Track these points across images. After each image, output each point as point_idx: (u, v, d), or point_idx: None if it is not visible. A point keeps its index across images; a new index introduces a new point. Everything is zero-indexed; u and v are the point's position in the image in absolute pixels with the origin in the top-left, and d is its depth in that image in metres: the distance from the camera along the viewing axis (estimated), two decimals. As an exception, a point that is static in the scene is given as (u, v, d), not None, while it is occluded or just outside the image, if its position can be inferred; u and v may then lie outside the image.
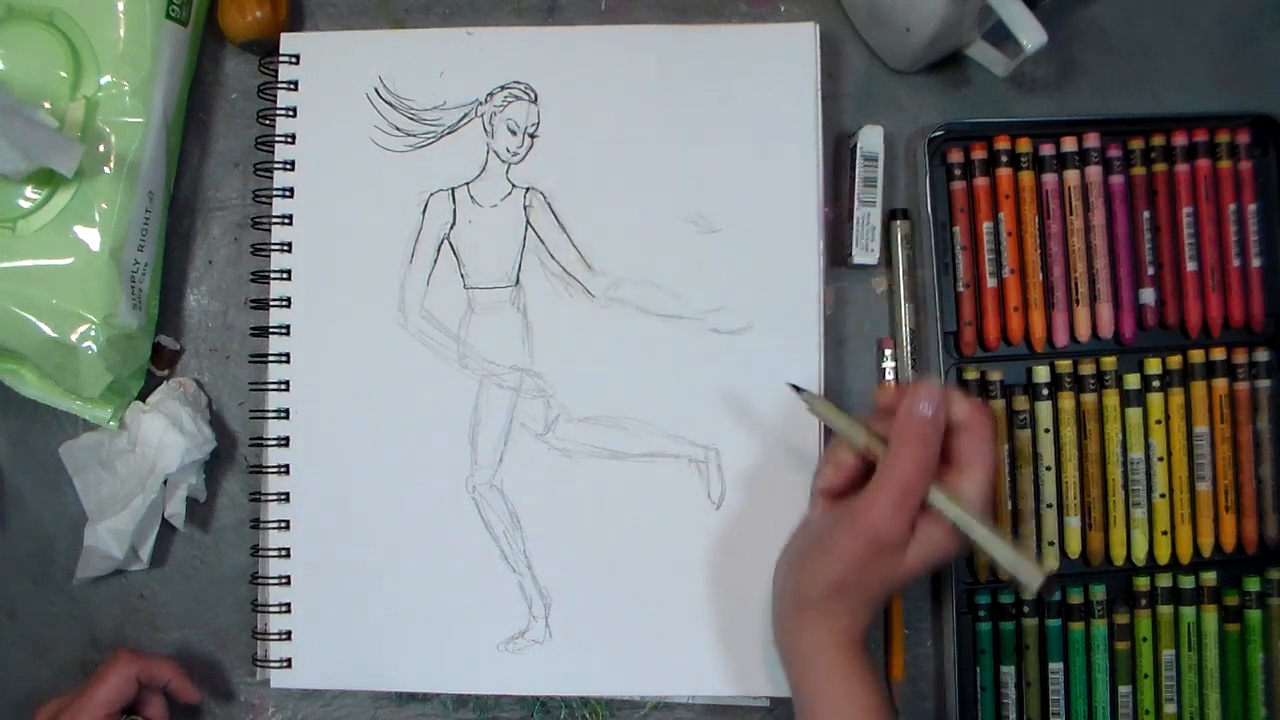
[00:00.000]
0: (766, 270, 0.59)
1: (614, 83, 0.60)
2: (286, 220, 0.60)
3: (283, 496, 0.59)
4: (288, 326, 0.60)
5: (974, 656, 0.59)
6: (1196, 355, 0.60)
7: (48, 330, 0.56)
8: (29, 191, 0.56)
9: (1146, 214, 0.61)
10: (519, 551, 0.58)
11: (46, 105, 0.56)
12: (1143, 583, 0.59)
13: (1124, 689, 0.59)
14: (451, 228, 0.60)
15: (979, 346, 0.61)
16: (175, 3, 0.58)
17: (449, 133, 0.60)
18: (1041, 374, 0.60)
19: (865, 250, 0.60)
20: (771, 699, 0.58)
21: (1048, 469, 0.60)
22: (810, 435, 0.58)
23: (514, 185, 0.60)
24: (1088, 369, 0.60)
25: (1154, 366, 0.60)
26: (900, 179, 0.62)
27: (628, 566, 0.57)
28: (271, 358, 0.59)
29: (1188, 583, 0.59)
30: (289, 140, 0.61)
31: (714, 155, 0.60)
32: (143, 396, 0.60)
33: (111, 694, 0.54)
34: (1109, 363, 0.60)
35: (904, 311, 0.61)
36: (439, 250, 0.60)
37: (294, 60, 0.61)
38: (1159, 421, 0.60)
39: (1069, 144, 0.60)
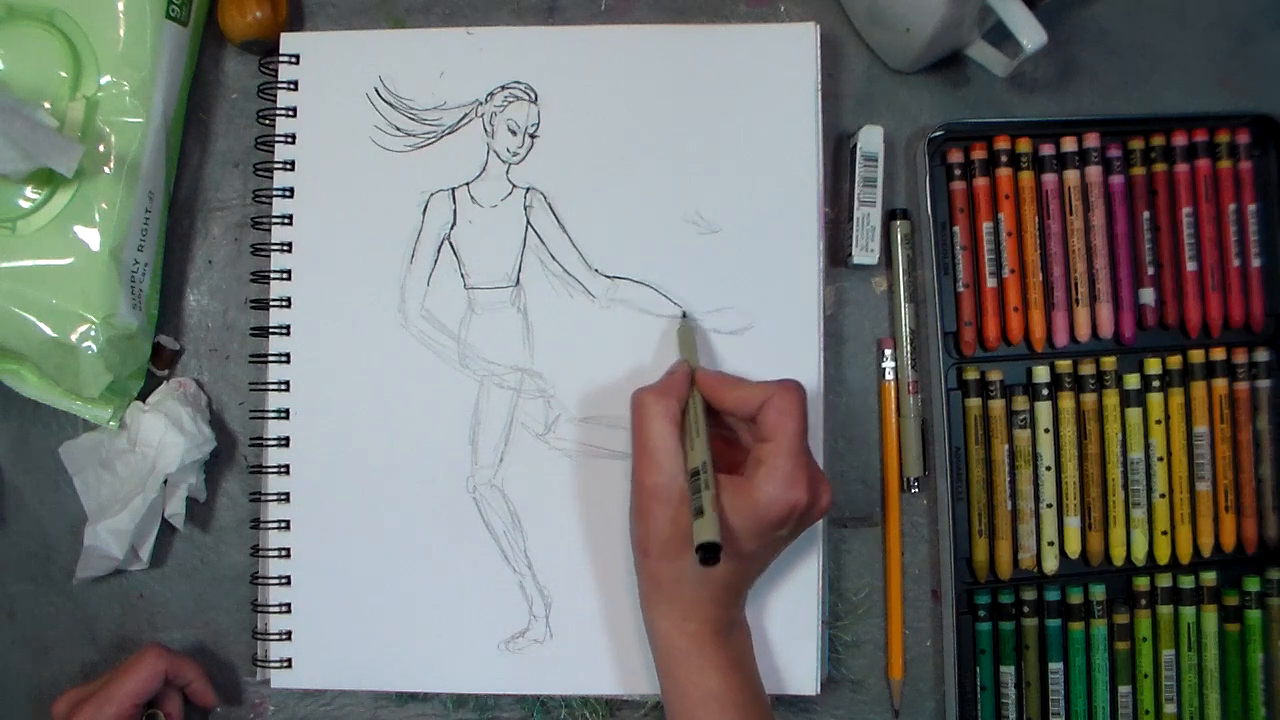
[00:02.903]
0: (766, 270, 0.59)
1: (614, 83, 0.60)
2: (286, 220, 0.60)
3: (283, 496, 0.59)
4: (288, 326, 0.59)
5: (974, 656, 0.59)
6: (1196, 355, 0.60)
7: (48, 330, 0.56)
8: (29, 191, 0.56)
9: (1146, 214, 0.61)
10: (519, 551, 0.58)
11: (46, 105, 0.56)
12: (1142, 583, 0.59)
13: (1124, 689, 0.59)
14: (452, 228, 0.60)
15: (979, 346, 0.61)
16: (175, 3, 0.58)
17: (449, 133, 0.60)
18: (1041, 374, 0.60)
19: (865, 250, 0.60)
20: (771, 696, 0.58)
21: (1048, 469, 0.60)
22: (813, 435, 0.58)
23: (514, 185, 0.60)
24: (1088, 369, 0.60)
25: (1154, 366, 0.60)
26: (900, 179, 0.62)
27: (628, 566, 0.57)
28: (271, 358, 0.59)
29: (1188, 583, 0.59)
30: (289, 140, 0.61)
31: (714, 155, 0.60)
32: (143, 396, 0.60)
33: (140, 685, 0.54)
34: (1109, 363, 0.60)
35: (904, 311, 0.61)
36: (439, 250, 0.60)
37: (294, 60, 0.61)
38: (1159, 421, 0.60)
39: (1069, 144, 0.60)
